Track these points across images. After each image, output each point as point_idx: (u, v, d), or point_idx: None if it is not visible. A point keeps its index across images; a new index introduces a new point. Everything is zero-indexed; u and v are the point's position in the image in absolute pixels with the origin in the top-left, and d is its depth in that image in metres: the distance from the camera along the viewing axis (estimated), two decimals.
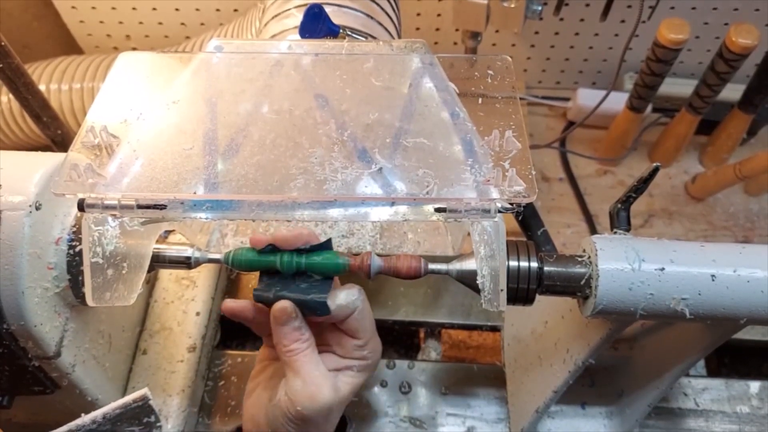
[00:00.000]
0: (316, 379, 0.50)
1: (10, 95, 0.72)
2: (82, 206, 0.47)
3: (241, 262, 0.52)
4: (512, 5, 0.79)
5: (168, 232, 0.57)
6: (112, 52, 1.08)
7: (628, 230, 0.54)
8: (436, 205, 0.48)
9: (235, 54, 0.59)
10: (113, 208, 0.47)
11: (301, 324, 0.51)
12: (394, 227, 0.68)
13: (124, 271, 0.51)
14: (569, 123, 1.10)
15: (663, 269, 0.49)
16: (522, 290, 0.51)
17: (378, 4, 0.73)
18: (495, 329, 0.86)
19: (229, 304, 0.55)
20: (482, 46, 0.90)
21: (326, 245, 0.52)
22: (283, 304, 0.50)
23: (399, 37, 0.77)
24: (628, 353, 0.72)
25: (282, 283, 0.52)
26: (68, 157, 0.48)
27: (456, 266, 0.52)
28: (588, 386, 0.75)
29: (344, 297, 0.52)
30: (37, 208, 0.51)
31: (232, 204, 0.48)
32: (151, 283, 0.80)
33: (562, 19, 1.01)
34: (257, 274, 0.53)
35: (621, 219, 0.54)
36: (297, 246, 0.51)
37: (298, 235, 0.51)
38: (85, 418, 0.47)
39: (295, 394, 0.50)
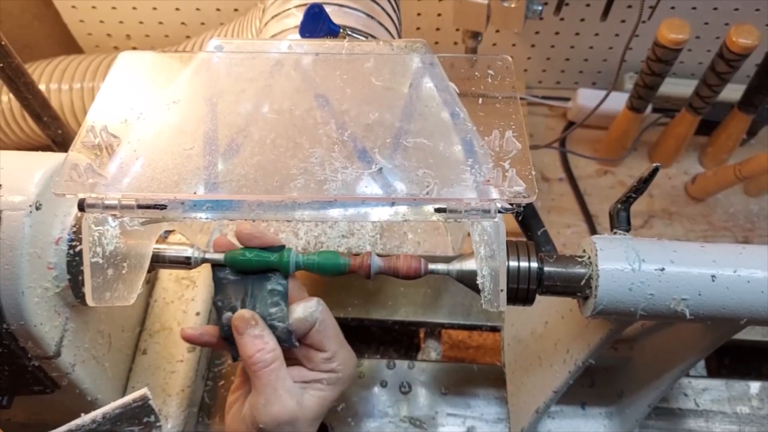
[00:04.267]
0: (280, 398, 0.49)
1: (11, 95, 0.72)
2: (82, 206, 0.47)
3: (241, 262, 0.52)
4: (513, 5, 0.79)
5: (168, 232, 0.57)
6: (113, 51, 1.08)
7: (628, 230, 0.54)
8: (436, 206, 0.48)
9: (236, 54, 0.59)
10: (113, 208, 0.47)
11: (262, 332, 0.50)
12: (394, 227, 0.68)
13: (124, 271, 0.51)
14: (569, 123, 1.10)
15: (663, 269, 0.49)
16: (522, 290, 0.51)
17: (378, 4, 0.72)
18: (495, 329, 0.86)
19: (188, 332, 0.54)
20: (482, 45, 0.90)
21: (280, 248, 0.52)
22: (242, 313, 0.50)
23: (399, 36, 0.77)
24: (628, 353, 0.72)
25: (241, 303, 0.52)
26: (68, 157, 0.48)
27: (456, 266, 0.52)
28: (588, 386, 0.75)
29: (302, 310, 0.52)
30: (38, 208, 0.51)
31: (232, 204, 0.48)
32: (151, 283, 0.80)
33: (562, 19, 1.01)
34: None
35: (621, 219, 0.54)
36: (255, 245, 0.52)
37: (260, 236, 0.51)
38: (84, 418, 0.46)
39: (258, 410, 0.49)
